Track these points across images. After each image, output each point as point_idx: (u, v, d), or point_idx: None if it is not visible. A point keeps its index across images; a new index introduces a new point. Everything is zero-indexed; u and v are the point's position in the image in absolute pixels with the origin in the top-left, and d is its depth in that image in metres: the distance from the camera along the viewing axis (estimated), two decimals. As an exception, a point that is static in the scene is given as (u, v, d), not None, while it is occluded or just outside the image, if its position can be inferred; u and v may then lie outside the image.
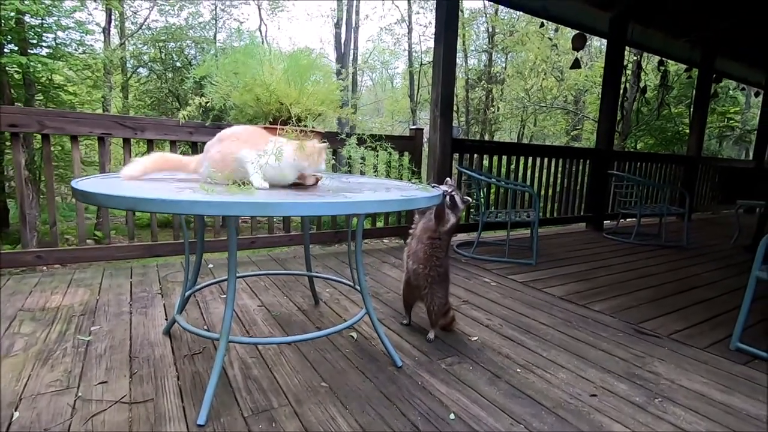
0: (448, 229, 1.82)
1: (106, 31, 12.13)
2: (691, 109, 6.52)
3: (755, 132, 8.50)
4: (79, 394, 1.34)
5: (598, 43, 13.69)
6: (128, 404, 1.29)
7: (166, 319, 1.90)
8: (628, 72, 8.78)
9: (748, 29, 4.98)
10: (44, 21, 8.22)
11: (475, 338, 1.89)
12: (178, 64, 12.93)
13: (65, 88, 9.24)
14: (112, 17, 12.34)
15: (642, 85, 7.57)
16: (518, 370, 1.62)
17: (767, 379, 1.65)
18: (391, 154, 1.82)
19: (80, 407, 1.27)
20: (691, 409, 1.42)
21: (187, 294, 1.73)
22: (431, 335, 1.85)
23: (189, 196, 1.11)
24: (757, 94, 7.62)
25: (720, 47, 5.62)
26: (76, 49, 9.52)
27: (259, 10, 17.80)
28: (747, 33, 5.11)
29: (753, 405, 1.47)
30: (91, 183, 1.26)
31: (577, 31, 4.68)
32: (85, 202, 1.16)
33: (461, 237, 3.93)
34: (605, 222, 5.05)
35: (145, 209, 1.09)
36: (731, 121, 13.33)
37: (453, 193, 1.83)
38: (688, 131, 7.22)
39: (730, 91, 12.16)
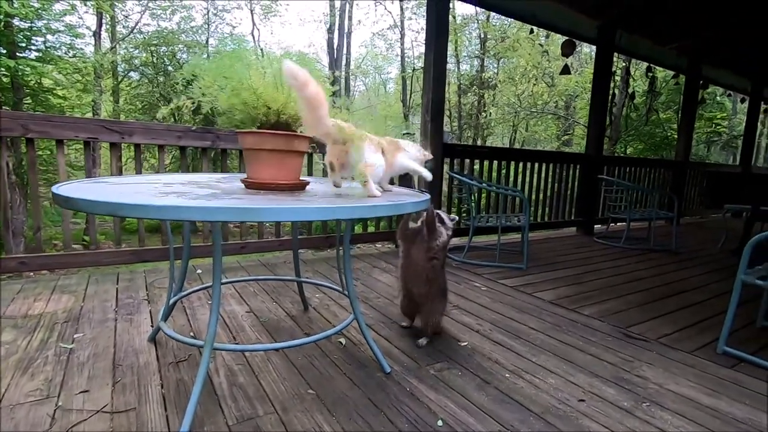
0: (443, 246, 1.81)
1: (96, 34, 12.04)
2: (679, 115, 6.63)
3: (742, 137, 8.64)
4: (60, 403, 1.31)
5: (587, 50, 13.89)
6: (110, 413, 1.27)
7: (152, 326, 1.87)
8: (617, 78, 8.90)
9: (733, 37, 5.08)
10: (33, 24, 8.15)
11: (465, 343, 1.88)
12: (170, 68, 12.87)
13: (54, 91, 9.15)
14: (103, 21, 12.26)
15: (631, 90, 7.69)
16: (507, 375, 1.62)
17: (762, 384, 1.66)
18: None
19: (60, 417, 1.24)
20: (679, 413, 1.43)
21: (172, 300, 1.70)
22: (423, 341, 1.83)
23: (173, 201, 1.10)
24: (743, 101, 7.75)
25: (706, 55, 5.71)
26: (66, 53, 9.44)
27: (252, 14, 17.82)
28: (732, 41, 5.21)
29: (739, 409, 1.47)
30: (73, 188, 1.23)
31: (567, 38, 4.74)
32: (67, 208, 1.14)
33: (452, 241, 3.92)
34: (596, 226, 5.09)
35: (128, 215, 1.07)
36: (718, 127, 13.56)
37: (439, 211, 1.86)
38: (676, 136, 7.31)
39: (717, 97, 12.37)
